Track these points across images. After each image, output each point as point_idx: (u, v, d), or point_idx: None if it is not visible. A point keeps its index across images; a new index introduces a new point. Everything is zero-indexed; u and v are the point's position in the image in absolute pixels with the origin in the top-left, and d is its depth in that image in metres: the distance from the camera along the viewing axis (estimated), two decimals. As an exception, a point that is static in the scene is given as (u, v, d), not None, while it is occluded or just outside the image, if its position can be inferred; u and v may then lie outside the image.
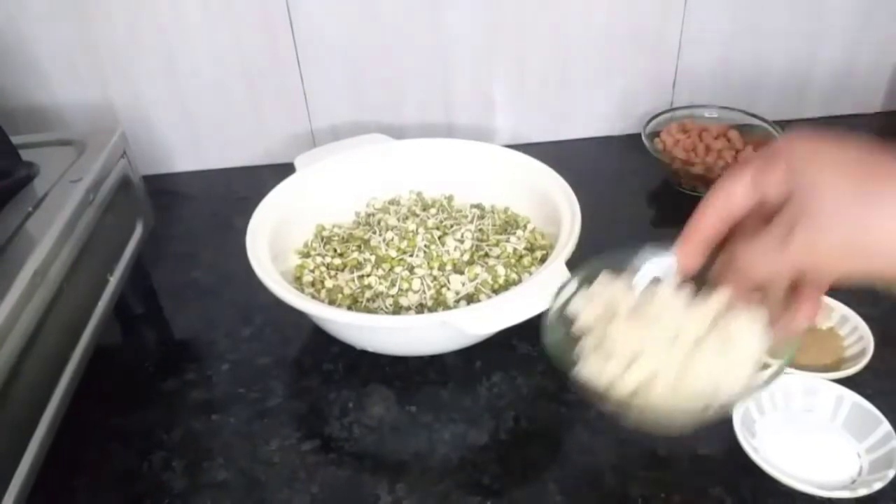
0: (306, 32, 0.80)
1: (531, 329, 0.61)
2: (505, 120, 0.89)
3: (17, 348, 0.44)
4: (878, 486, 0.46)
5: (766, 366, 0.42)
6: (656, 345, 0.42)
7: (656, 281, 0.46)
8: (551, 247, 0.62)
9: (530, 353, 0.60)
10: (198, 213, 0.63)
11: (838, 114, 0.92)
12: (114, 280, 0.59)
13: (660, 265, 0.45)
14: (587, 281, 0.47)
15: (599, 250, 0.59)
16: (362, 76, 0.84)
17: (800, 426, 0.52)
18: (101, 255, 0.58)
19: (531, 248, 0.65)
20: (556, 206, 0.63)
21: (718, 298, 0.42)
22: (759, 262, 0.38)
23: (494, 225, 0.67)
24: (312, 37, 0.81)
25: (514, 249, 0.64)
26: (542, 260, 0.63)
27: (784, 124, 0.81)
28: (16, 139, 0.59)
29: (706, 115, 0.85)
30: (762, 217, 0.38)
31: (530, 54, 0.84)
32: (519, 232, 0.66)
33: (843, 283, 0.37)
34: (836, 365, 0.56)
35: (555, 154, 0.91)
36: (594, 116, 0.90)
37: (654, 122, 0.83)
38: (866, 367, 0.54)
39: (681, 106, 0.87)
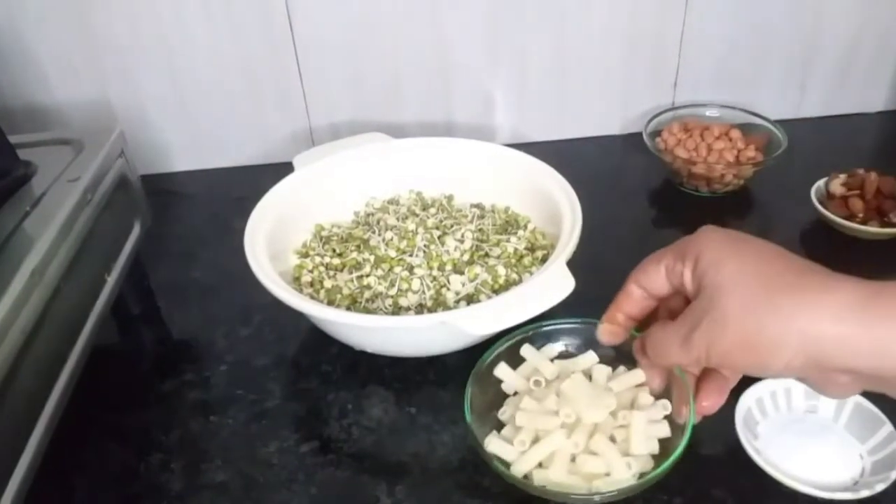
0: (306, 32, 0.80)
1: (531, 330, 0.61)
2: (505, 119, 0.89)
3: (15, 348, 0.44)
4: (880, 487, 0.45)
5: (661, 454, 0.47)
6: (558, 427, 0.46)
7: (577, 352, 0.52)
8: (552, 246, 0.62)
9: (530, 353, 0.60)
10: (196, 213, 0.62)
11: (838, 114, 0.92)
12: (112, 280, 0.58)
13: (580, 339, 0.53)
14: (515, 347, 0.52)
15: (599, 250, 0.59)
16: (362, 76, 0.84)
17: (802, 427, 0.51)
18: (99, 255, 0.57)
19: (532, 248, 0.64)
20: (556, 206, 0.63)
21: (626, 384, 0.48)
22: (665, 353, 0.41)
23: (495, 225, 0.67)
24: (312, 37, 0.81)
25: (515, 249, 0.63)
26: (543, 260, 0.63)
27: (785, 123, 0.80)
28: (13, 138, 0.59)
29: (707, 113, 0.84)
30: (682, 297, 0.42)
31: (531, 53, 0.84)
32: (519, 232, 0.66)
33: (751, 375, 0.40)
34: (838, 366, 0.56)
35: (555, 153, 0.90)
36: (595, 115, 0.90)
37: (656, 121, 0.83)
38: (868, 368, 0.54)
39: (682, 105, 0.87)
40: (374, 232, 0.65)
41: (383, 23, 0.80)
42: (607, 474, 0.45)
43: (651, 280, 0.43)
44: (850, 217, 0.69)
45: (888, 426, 0.49)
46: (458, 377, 0.58)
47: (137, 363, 0.63)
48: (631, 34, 0.84)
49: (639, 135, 0.82)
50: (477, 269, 0.60)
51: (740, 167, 0.76)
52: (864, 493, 0.45)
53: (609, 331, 0.46)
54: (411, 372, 0.59)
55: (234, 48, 0.81)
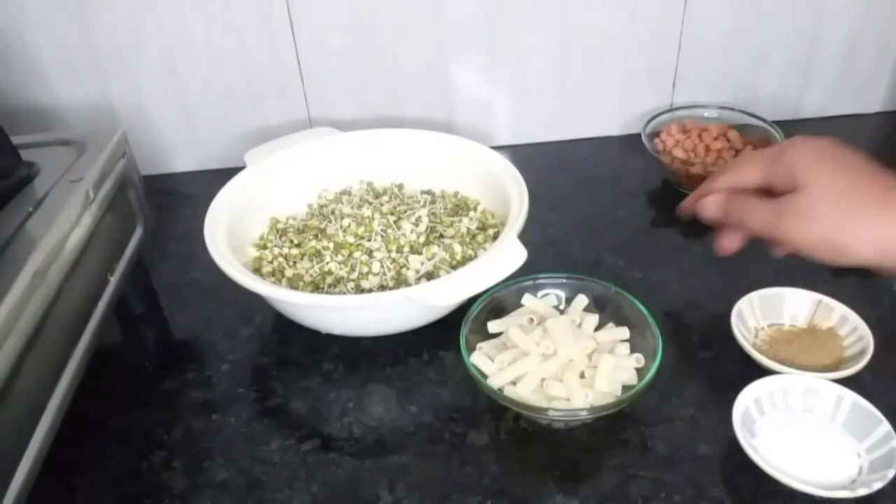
0: (306, 32, 0.80)
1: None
2: (505, 119, 0.89)
3: (18, 348, 0.44)
4: (877, 486, 0.46)
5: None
6: (537, 355, 0.54)
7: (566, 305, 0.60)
8: (502, 224, 0.64)
9: (530, 353, 0.60)
10: (198, 213, 0.63)
11: (838, 114, 0.93)
12: (114, 280, 0.59)
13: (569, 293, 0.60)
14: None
15: (599, 250, 0.60)
16: (362, 76, 0.84)
17: (800, 426, 0.52)
18: (102, 256, 0.58)
19: (483, 227, 0.67)
20: (503, 187, 0.66)
21: (608, 336, 0.56)
22: (755, 218, 0.47)
23: (446, 208, 0.70)
24: (313, 37, 0.81)
25: (468, 229, 0.66)
26: (495, 237, 0.65)
27: (784, 124, 0.81)
28: (16, 139, 0.59)
29: (706, 115, 0.85)
30: (765, 194, 0.48)
31: (530, 54, 0.84)
32: (470, 213, 0.69)
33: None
34: (835, 365, 0.56)
35: (555, 154, 0.91)
36: (594, 116, 0.90)
37: (654, 122, 0.83)
38: (866, 367, 0.54)
39: (680, 106, 0.87)
40: (330, 221, 0.67)
41: (383, 23, 0.81)
42: (567, 400, 0.52)
43: (746, 171, 0.49)
44: (849, 217, 0.69)
45: (885, 425, 0.49)
46: (458, 377, 0.59)
47: (140, 363, 0.63)
48: (630, 35, 0.84)
49: (637, 136, 0.82)
50: (434, 249, 0.63)
51: None
52: (862, 492, 0.46)
53: (693, 202, 0.54)
54: (412, 371, 0.60)
55: (235, 49, 0.81)
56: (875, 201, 0.42)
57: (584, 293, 0.60)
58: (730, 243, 0.54)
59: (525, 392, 0.53)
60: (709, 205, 0.53)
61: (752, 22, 0.84)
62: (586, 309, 0.59)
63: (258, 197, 0.69)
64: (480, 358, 0.55)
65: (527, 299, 0.60)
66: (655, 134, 0.83)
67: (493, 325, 0.58)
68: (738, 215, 0.49)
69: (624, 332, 0.56)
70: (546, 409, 0.51)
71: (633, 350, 0.56)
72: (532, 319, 0.57)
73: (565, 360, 0.54)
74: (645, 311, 0.56)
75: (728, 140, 0.80)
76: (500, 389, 0.53)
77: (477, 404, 0.57)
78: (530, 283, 0.60)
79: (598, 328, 0.58)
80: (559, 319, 0.56)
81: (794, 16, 0.84)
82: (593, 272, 0.60)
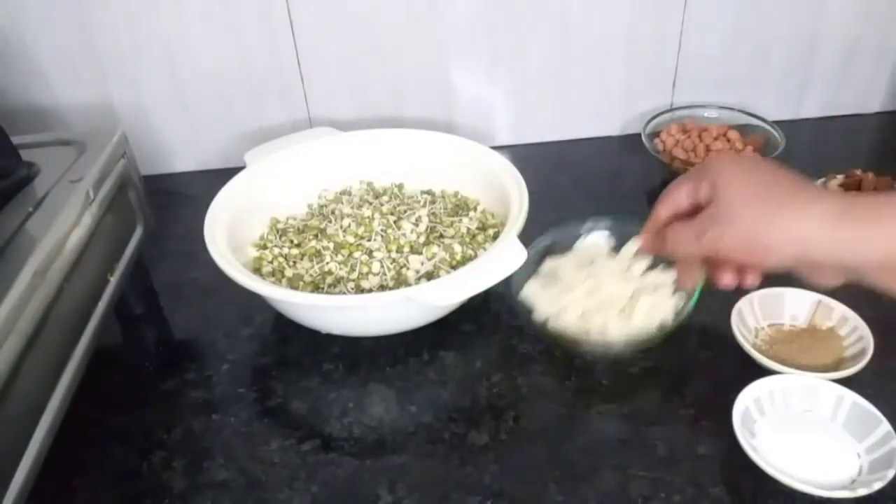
0: (306, 32, 0.80)
1: (531, 331, 0.61)
2: (505, 119, 0.89)
3: (18, 348, 0.44)
4: (877, 486, 0.46)
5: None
6: (584, 290, 0.58)
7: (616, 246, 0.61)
8: (502, 224, 0.64)
9: (530, 352, 0.61)
10: (198, 213, 0.63)
11: (838, 114, 0.93)
12: (114, 280, 0.59)
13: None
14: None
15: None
16: (363, 77, 0.84)
17: (800, 426, 0.52)
18: (102, 255, 0.58)
19: (483, 227, 0.67)
20: (503, 187, 0.66)
21: (654, 279, 0.59)
22: (680, 245, 0.49)
23: (446, 208, 0.70)
24: (312, 37, 0.81)
25: (468, 229, 0.66)
26: (495, 237, 0.65)
27: (784, 124, 0.81)
28: (16, 139, 0.59)
29: (706, 115, 0.85)
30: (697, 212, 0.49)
31: (531, 54, 0.84)
32: (470, 213, 0.69)
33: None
34: (836, 365, 0.56)
35: (555, 154, 0.91)
36: (594, 116, 0.90)
37: (654, 122, 0.83)
38: (866, 368, 0.54)
39: (681, 106, 0.87)
40: (330, 221, 0.67)
41: (384, 24, 0.81)
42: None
43: (675, 201, 0.51)
44: (849, 217, 0.69)
45: (885, 425, 0.49)
46: (458, 377, 0.59)
47: (140, 363, 0.63)
48: (630, 35, 0.84)
49: (637, 136, 0.82)
50: (434, 249, 0.63)
51: None
52: (862, 492, 0.46)
53: (648, 239, 0.54)
54: (412, 371, 0.60)
55: (234, 49, 0.81)
56: (790, 200, 0.44)
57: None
58: (688, 280, 0.55)
59: (568, 322, 0.57)
60: (646, 248, 0.55)
61: (752, 22, 0.84)
62: (638, 253, 0.59)
63: (258, 197, 0.69)
64: (532, 290, 0.59)
65: (580, 242, 0.63)
66: (655, 134, 0.83)
67: (547, 263, 0.62)
68: (670, 246, 0.50)
69: (668, 276, 0.58)
70: (583, 340, 0.56)
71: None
72: (582, 261, 0.61)
73: (607, 298, 0.57)
74: None
75: (728, 140, 0.80)
76: (544, 322, 0.57)
77: (477, 404, 0.57)
78: (588, 225, 0.64)
79: (649, 270, 0.59)
80: (609, 261, 0.60)
81: (794, 16, 0.84)
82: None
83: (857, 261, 0.43)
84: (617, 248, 0.61)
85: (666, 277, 0.59)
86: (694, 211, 0.49)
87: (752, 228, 0.44)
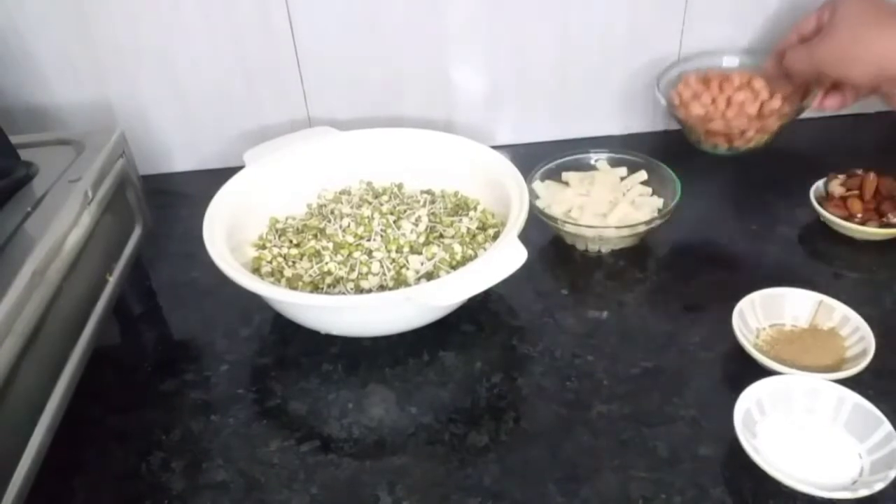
0: (306, 32, 0.80)
1: (531, 331, 0.61)
2: (505, 119, 0.89)
3: (16, 348, 0.44)
4: (879, 486, 0.45)
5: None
6: (577, 190, 0.73)
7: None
8: (503, 224, 0.64)
9: (530, 353, 0.60)
10: (197, 213, 0.62)
11: (838, 114, 0.92)
12: (113, 280, 0.59)
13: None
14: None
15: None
16: (362, 76, 0.84)
17: (801, 427, 0.52)
18: (100, 255, 0.58)
19: (483, 227, 0.67)
20: (503, 187, 0.66)
21: (637, 191, 0.73)
22: (795, 62, 0.61)
23: (446, 208, 0.70)
24: (312, 37, 0.81)
25: (468, 229, 0.66)
26: (495, 237, 0.65)
27: (784, 124, 0.80)
28: (15, 139, 0.59)
29: (725, 63, 0.78)
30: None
31: (530, 53, 0.84)
32: (470, 212, 0.69)
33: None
34: (837, 365, 0.56)
35: (555, 153, 0.91)
36: (594, 116, 0.90)
37: (669, 73, 0.77)
38: (867, 368, 0.54)
39: (695, 54, 0.79)
40: (329, 221, 0.67)
41: (383, 23, 0.81)
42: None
43: (806, 23, 0.62)
44: (849, 217, 0.69)
45: (887, 425, 0.49)
46: (458, 377, 0.59)
47: (138, 363, 0.63)
48: (631, 35, 0.84)
49: (638, 136, 0.82)
50: (434, 249, 0.62)
51: (764, 121, 0.71)
52: (863, 493, 0.45)
53: (774, 59, 0.69)
54: (411, 372, 0.60)
55: (234, 48, 0.81)
56: (881, 21, 0.52)
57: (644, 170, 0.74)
58: (820, 101, 0.68)
59: (557, 213, 0.71)
60: (768, 69, 0.68)
61: (752, 20, 0.84)
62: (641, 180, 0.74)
63: (257, 197, 0.69)
64: (535, 185, 0.73)
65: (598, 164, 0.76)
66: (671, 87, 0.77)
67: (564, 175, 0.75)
68: (787, 62, 0.61)
69: (648, 190, 0.73)
70: (566, 222, 0.68)
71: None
72: (585, 175, 0.75)
73: (594, 199, 0.71)
74: (671, 173, 0.71)
75: (753, 90, 0.73)
76: (543, 208, 0.71)
77: (477, 405, 0.56)
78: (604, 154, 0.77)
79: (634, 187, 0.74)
80: (606, 175, 0.74)
81: (794, 16, 0.84)
82: (592, 271, 0.60)
83: None
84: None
85: (644, 188, 0.72)
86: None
87: (844, 41, 0.54)
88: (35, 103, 0.82)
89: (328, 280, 0.61)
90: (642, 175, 0.73)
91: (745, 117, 0.71)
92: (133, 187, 0.65)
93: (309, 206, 0.73)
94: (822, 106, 0.62)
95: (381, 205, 0.69)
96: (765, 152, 0.82)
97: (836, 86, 0.66)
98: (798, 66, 0.61)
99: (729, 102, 0.73)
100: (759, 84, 0.74)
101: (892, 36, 0.52)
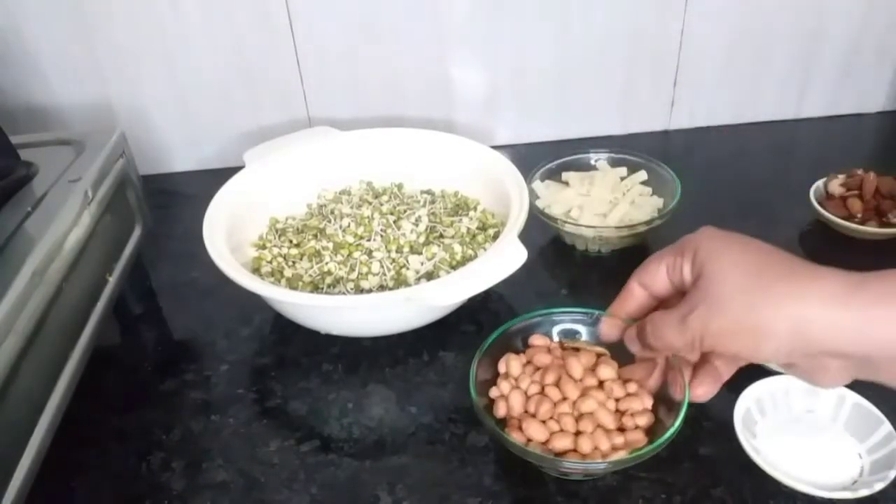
0: (306, 32, 0.80)
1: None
2: (505, 119, 0.89)
3: (16, 348, 0.44)
4: (879, 486, 0.45)
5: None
6: (578, 190, 0.74)
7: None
8: (503, 224, 0.64)
9: (530, 353, 0.60)
10: (197, 213, 0.62)
11: (838, 114, 0.92)
12: (113, 280, 0.59)
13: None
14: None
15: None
16: (362, 76, 0.84)
17: (801, 427, 0.52)
18: (100, 255, 0.58)
19: (483, 227, 0.67)
20: (503, 187, 0.66)
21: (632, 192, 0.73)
22: (663, 335, 0.42)
23: (446, 208, 0.70)
24: (312, 37, 0.81)
25: (468, 229, 0.66)
26: (495, 237, 0.65)
27: (784, 124, 0.81)
28: (15, 139, 0.59)
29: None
30: (681, 297, 0.43)
31: (530, 53, 0.84)
32: (470, 213, 0.69)
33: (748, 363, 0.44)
34: (837, 365, 0.56)
35: (555, 153, 0.91)
36: (594, 116, 0.90)
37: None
38: (867, 368, 0.54)
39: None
40: (329, 221, 0.67)
41: (383, 23, 0.81)
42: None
43: (652, 277, 0.45)
44: (849, 217, 0.69)
45: (887, 425, 0.49)
46: (458, 377, 0.59)
47: (138, 363, 0.63)
48: (631, 34, 0.84)
49: (638, 136, 0.82)
50: (434, 249, 0.63)
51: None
52: (863, 493, 0.45)
53: (610, 324, 0.49)
54: (412, 372, 0.60)
55: (234, 48, 0.81)
56: (787, 278, 0.38)
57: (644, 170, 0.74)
58: (677, 387, 0.46)
59: (557, 214, 0.71)
60: (610, 333, 0.49)
61: (752, 21, 0.84)
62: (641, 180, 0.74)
63: (257, 197, 0.69)
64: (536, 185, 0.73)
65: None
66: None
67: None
68: (651, 337, 0.43)
69: (648, 190, 0.73)
70: (566, 222, 0.69)
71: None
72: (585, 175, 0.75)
73: (594, 199, 0.71)
74: (671, 173, 0.72)
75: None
76: (543, 208, 0.70)
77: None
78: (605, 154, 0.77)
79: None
80: (605, 175, 0.74)
81: (795, 16, 0.84)
82: (591, 271, 0.60)
83: (867, 348, 0.36)
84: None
85: (644, 188, 0.72)
86: (669, 297, 0.44)
87: (746, 313, 0.38)
88: (35, 103, 0.82)
89: (328, 280, 0.61)
90: (642, 175, 0.74)
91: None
92: (133, 187, 0.65)
93: (309, 206, 0.73)
94: (696, 398, 0.44)
95: (381, 205, 0.69)
96: (765, 152, 0.82)
97: (703, 358, 0.46)
98: (671, 340, 0.42)
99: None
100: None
101: (810, 295, 0.36)
